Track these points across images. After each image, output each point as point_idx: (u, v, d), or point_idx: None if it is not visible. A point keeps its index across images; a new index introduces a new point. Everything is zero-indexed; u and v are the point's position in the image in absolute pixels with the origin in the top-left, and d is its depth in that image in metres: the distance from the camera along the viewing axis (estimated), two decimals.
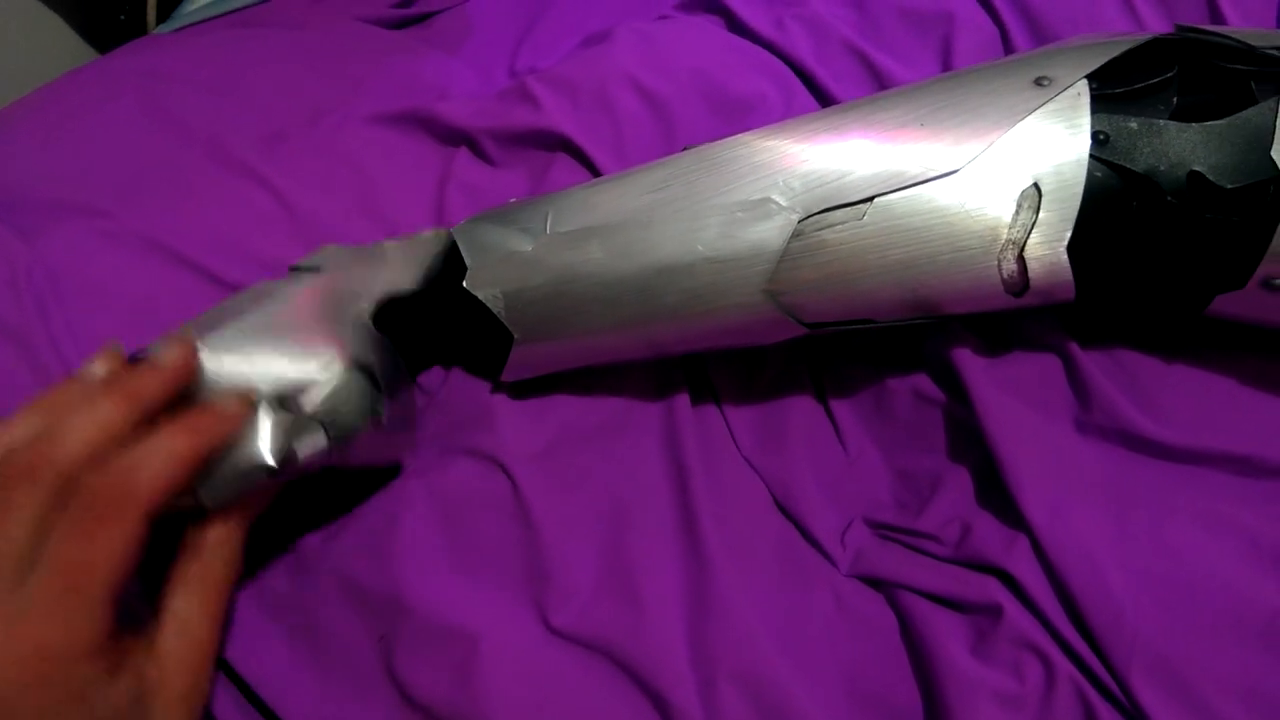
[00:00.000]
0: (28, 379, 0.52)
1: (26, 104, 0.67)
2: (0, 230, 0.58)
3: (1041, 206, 0.43)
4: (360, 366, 0.43)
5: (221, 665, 0.44)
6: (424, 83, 0.71)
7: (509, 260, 0.46)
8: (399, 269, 0.47)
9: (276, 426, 0.39)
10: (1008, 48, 0.66)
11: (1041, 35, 0.65)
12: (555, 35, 0.75)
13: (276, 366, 0.41)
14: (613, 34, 0.68)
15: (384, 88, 0.70)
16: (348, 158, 0.64)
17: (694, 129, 0.63)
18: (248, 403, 0.39)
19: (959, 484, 0.49)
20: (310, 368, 0.42)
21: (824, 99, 0.66)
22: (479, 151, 0.64)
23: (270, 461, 0.39)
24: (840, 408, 0.53)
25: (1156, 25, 0.64)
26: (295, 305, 0.44)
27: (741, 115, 0.64)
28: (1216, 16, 0.63)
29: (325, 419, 0.41)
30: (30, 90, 0.68)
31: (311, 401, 0.41)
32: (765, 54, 0.68)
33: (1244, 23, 0.62)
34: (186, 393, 0.39)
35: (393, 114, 0.66)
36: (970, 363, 0.49)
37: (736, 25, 0.71)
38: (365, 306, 0.45)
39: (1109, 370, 0.50)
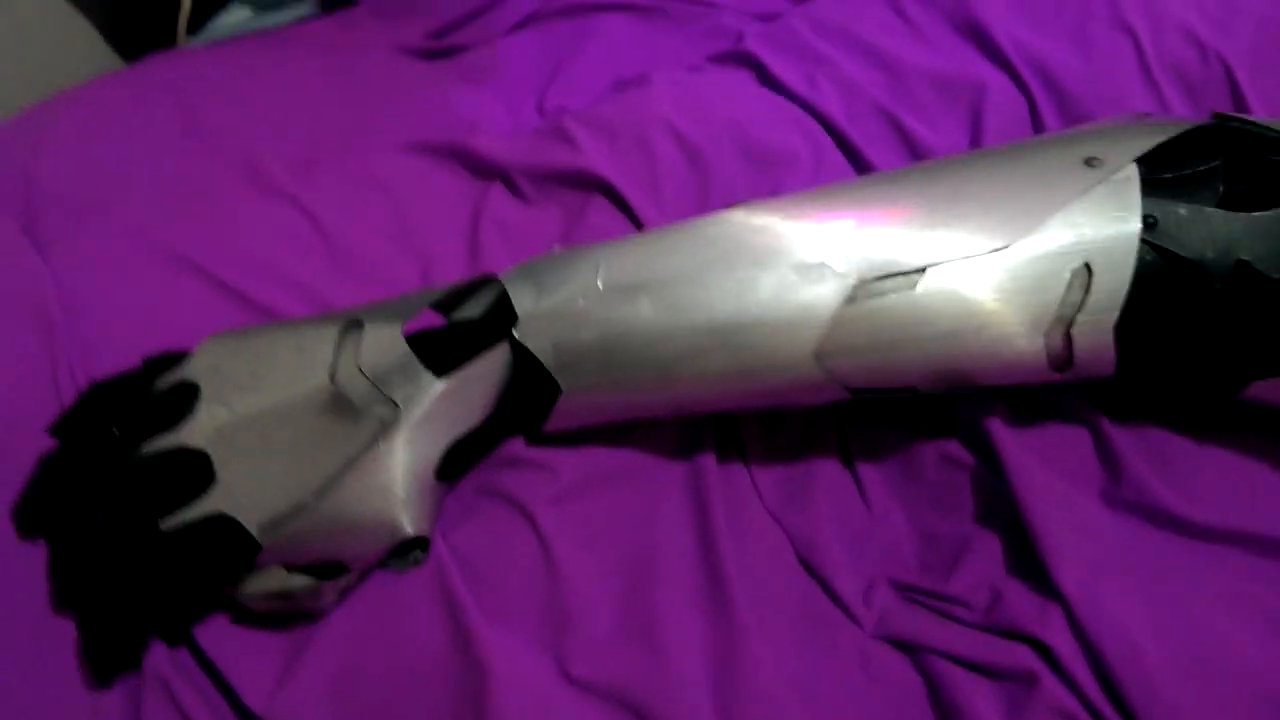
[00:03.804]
0: (48, 394, 0.52)
1: (55, 108, 0.66)
2: (20, 243, 0.57)
3: (1091, 286, 0.44)
4: None
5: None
6: (455, 114, 0.71)
7: (559, 312, 0.46)
8: (474, 405, 0.49)
9: None
10: (1035, 121, 0.67)
11: (1069, 111, 0.66)
12: (585, 76, 0.75)
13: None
14: (650, 79, 0.69)
15: (416, 117, 0.70)
16: (381, 185, 0.63)
17: (728, 178, 0.64)
18: None
19: (987, 549, 0.49)
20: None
21: (854, 158, 0.67)
22: (513, 187, 0.64)
23: None
24: (865, 467, 0.53)
25: (1181, 108, 0.66)
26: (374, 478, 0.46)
27: (773, 168, 0.65)
28: (1239, 103, 0.65)
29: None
30: (51, 92, 0.67)
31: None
32: (796, 109, 0.69)
33: (1265, 110, 0.64)
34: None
35: (426, 144, 0.66)
36: (1002, 429, 0.50)
37: (768, 79, 0.72)
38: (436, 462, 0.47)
39: (1138, 446, 0.50)
